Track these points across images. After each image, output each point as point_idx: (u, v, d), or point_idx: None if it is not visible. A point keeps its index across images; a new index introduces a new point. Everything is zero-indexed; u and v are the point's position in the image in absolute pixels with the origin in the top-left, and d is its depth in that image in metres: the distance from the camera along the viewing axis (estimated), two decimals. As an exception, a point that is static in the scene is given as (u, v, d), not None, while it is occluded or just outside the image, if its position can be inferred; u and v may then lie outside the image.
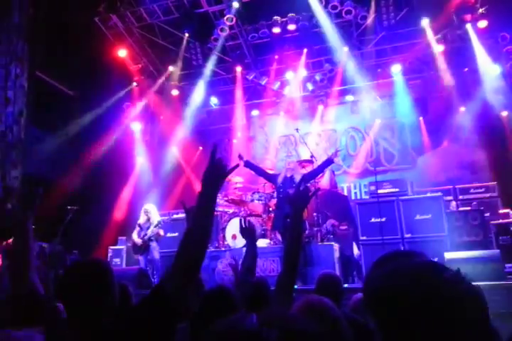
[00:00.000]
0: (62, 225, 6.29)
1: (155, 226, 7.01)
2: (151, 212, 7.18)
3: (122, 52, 10.19)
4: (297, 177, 6.19)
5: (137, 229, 7.19)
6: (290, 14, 9.92)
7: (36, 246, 6.96)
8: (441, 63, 9.42)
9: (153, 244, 7.00)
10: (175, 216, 8.02)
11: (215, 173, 1.58)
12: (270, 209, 7.34)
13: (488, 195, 7.96)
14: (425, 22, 9.26)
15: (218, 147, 1.67)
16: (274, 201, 7.43)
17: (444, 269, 0.80)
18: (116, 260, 7.62)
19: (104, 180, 8.99)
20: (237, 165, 2.00)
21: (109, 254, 7.86)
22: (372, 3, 9.22)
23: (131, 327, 1.38)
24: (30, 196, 2.12)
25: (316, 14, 9.47)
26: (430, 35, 9.35)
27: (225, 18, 9.58)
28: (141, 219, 7.21)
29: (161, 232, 7.17)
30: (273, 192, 7.63)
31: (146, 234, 7.01)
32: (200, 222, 1.55)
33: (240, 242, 6.65)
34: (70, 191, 7.96)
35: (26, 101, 8.03)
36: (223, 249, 6.94)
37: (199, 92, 10.97)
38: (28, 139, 8.00)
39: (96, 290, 1.53)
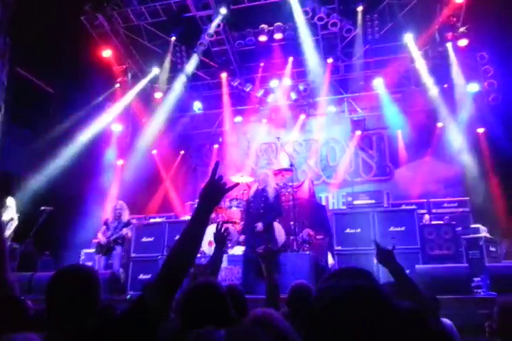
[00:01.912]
0: (35, 226, 6.17)
1: (125, 227, 6.64)
2: (123, 209, 6.79)
3: (107, 53, 10.10)
4: (269, 190, 5.97)
5: (103, 227, 6.79)
6: (277, 23, 10.03)
7: (8, 246, 6.79)
8: (423, 78, 9.65)
9: (118, 249, 6.62)
10: (152, 220, 7.95)
11: (215, 190, 1.63)
12: (247, 216, 7.34)
13: (460, 209, 8.17)
14: (408, 37, 9.48)
15: (219, 165, 1.73)
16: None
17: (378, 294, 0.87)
18: (89, 263, 7.46)
19: (81, 180, 8.84)
20: (237, 184, 2.05)
21: (82, 257, 7.71)
22: (358, 17, 9.42)
23: (112, 338, 1.40)
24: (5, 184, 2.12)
25: (299, 26, 9.60)
26: (412, 51, 9.58)
27: (212, 23, 9.62)
28: (110, 217, 6.80)
29: (129, 234, 6.81)
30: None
31: (112, 234, 6.60)
32: (193, 235, 1.57)
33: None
34: (45, 190, 7.81)
35: (5, 98, 7.88)
36: (199, 255, 6.90)
37: (177, 95, 10.89)
38: (5, 135, 7.84)
39: (83, 298, 1.56)
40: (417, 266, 5.47)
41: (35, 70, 9.31)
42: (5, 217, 6.26)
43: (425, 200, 8.30)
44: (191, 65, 10.51)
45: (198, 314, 1.86)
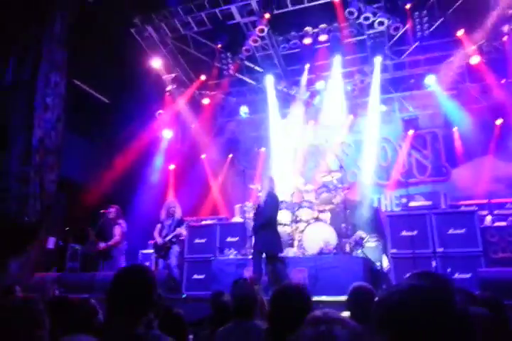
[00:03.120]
0: (95, 228, 6.46)
1: (179, 224, 6.70)
2: (176, 207, 6.85)
3: (156, 62, 10.45)
4: (263, 194, 5.94)
5: (158, 226, 6.89)
6: (321, 25, 9.97)
7: (69, 247, 7.17)
8: (479, 74, 9.22)
9: (175, 248, 6.68)
10: (204, 222, 8.08)
11: None
12: (298, 218, 7.30)
13: (525, 210, 7.66)
14: (460, 33, 9.10)
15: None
16: (301, 210, 7.40)
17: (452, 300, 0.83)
18: (146, 264, 7.71)
19: (136, 185, 9.17)
20: None
21: (139, 258, 7.96)
22: (406, 14, 9.15)
23: None
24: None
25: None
26: (466, 46, 9.19)
27: (257, 29, 9.71)
28: (163, 216, 6.88)
29: (184, 231, 6.84)
30: (301, 202, 7.60)
31: (168, 233, 6.68)
32: None
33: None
34: (103, 195, 8.16)
35: (63, 108, 8.32)
36: (250, 257, 6.92)
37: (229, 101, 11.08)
38: (64, 144, 8.28)
39: (138, 296, 1.64)
40: (480, 270, 5.18)
41: (91, 82, 9.79)
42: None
43: (486, 201, 7.86)
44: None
45: (285, 316, 1.89)
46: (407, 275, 0.99)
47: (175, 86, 11.01)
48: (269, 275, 5.71)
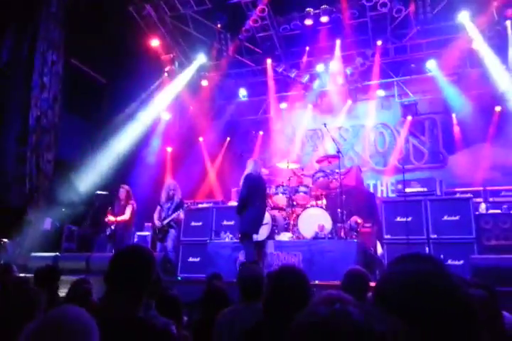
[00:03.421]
0: (91, 209, 6.48)
1: (178, 209, 6.65)
2: (176, 190, 6.80)
3: (155, 42, 10.28)
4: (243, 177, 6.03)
5: (158, 208, 6.85)
6: (323, 6, 9.76)
7: (66, 229, 7.21)
8: (481, 59, 9.10)
9: (172, 232, 6.64)
10: (200, 205, 8.11)
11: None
12: (294, 203, 7.33)
13: (519, 198, 7.71)
14: (463, 16, 8.94)
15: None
16: (298, 195, 7.43)
17: (442, 277, 0.85)
18: (141, 246, 7.78)
19: (133, 167, 9.15)
20: None
21: (135, 240, 8.02)
22: (410, -4, 8.98)
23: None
24: None
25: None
26: (468, 30, 9.03)
27: (257, 9, 9.51)
28: (163, 198, 6.80)
29: (182, 215, 6.76)
30: (298, 186, 7.62)
31: (166, 216, 6.65)
32: None
33: (262, 235, 6.67)
34: (99, 176, 8.15)
35: (61, 88, 8.23)
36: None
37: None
38: (60, 124, 8.22)
39: (137, 276, 1.66)
40: (472, 256, 5.24)
41: (88, 61, 9.64)
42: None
43: (481, 188, 7.90)
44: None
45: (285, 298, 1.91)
46: (401, 256, 1.00)
47: (173, 66, 10.85)
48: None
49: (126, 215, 6.89)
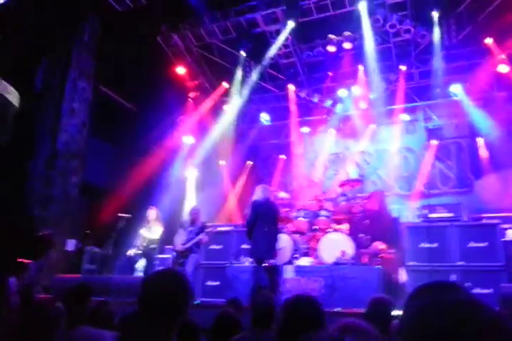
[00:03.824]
0: (114, 232, 6.57)
1: (201, 231, 6.58)
2: (198, 214, 6.76)
3: (181, 70, 10.63)
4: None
5: (179, 232, 6.82)
6: (346, 33, 9.92)
7: (88, 250, 7.32)
8: (506, 83, 8.97)
9: (193, 256, 6.55)
10: (220, 228, 8.10)
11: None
12: (315, 227, 7.24)
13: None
14: (489, 41, 8.89)
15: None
16: (319, 219, 7.34)
17: (483, 308, 0.75)
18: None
19: (156, 190, 9.29)
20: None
21: (156, 263, 8.04)
22: (434, 22, 9.01)
23: None
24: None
25: (365, 35, 9.42)
26: (495, 55, 8.95)
27: (281, 37, 9.76)
28: (186, 222, 6.79)
29: (206, 238, 6.66)
30: (319, 210, 7.54)
31: (188, 240, 6.58)
32: None
33: (281, 259, 6.58)
34: (124, 200, 8.30)
35: (89, 114, 8.57)
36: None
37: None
38: (88, 149, 8.50)
39: (174, 302, 1.57)
40: (502, 285, 4.99)
41: (117, 88, 10.04)
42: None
43: (509, 214, 7.58)
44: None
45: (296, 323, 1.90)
46: (421, 286, 0.89)
47: (198, 93, 11.15)
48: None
49: (157, 234, 6.97)
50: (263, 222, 5.92)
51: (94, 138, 9.12)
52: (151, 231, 7.04)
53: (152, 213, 7.09)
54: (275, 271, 5.97)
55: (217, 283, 6.97)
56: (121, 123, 9.76)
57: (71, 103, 8.03)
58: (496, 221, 6.40)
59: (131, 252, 6.88)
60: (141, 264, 7.00)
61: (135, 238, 7.00)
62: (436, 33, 9.07)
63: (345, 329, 1.38)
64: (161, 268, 7.59)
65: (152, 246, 6.99)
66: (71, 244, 7.13)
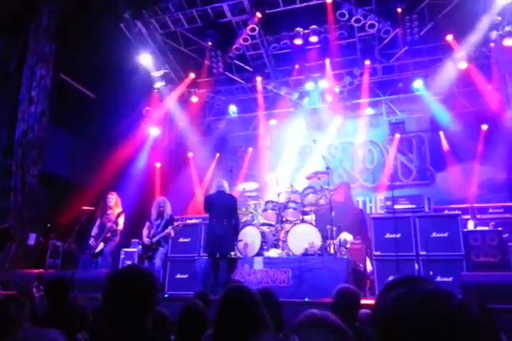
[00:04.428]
0: (77, 225, 6.35)
1: (168, 223, 6.50)
2: (166, 206, 6.67)
3: (145, 58, 10.34)
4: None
5: (147, 225, 6.70)
6: (312, 26, 9.97)
7: (51, 244, 7.04)
8: (466, 79, 9.33)
9: (161, 250, 6.50)
10: (188, 221, 8.01)
11: None
12: (283, 219, 7.28)
13: (506, 215, 7.77)
14: (449, 38, 9.20)
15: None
16: (287, 211, 7.39)
17: (451, 297, 0.82)
18: (128, 262, 7.61)
19: (121, 182, 9.05)
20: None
21: (121, 256, 7.85)
22: (397, 18, 9.21)
23: None
24: None
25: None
26: (454, 51, 9.28)
27: (248, 28, 9.67)
28: (153, 214, 6.66)
29: (172, 232, 6.59)
30: (287, 202, 7.59)
31: (156, 233, 6.50)
32: None
33: (252, 251, 6.59)
34: (86, 191, 8.03)
35: (48, 102, 8.18)
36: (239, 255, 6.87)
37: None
38: (48, 139, 8.13)
39: (141, 299, 1.55)
40: (462, 273, 5.22)
41: (77, 76, 9.64)
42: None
43: (469, 205, 7.96)
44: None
45: (232, 322, 1.83)
46: (392, 278, 0.96)
47: (163, 83, 10.90)
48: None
49: (121, 225, 6.76)
50: (214, 215, 6.12)
51: (55, 127, 8.73)
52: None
53: (112, 199, 6.88)
54: (227, 265, 6.04)
55: (186, 276, 6.90)
56: (84, 113, 9.40)
57: (29, 91, 7.63)
58: (456, 212, 6.68)
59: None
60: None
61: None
62: (399, 29, 9.27)
63: (312, 324, 1.37)
64: (127, 263, 7.46)
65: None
66: (31, 238, 6.82)
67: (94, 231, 6.73)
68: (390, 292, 0.89)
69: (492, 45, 8.94)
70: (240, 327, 1.79)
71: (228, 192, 6.51)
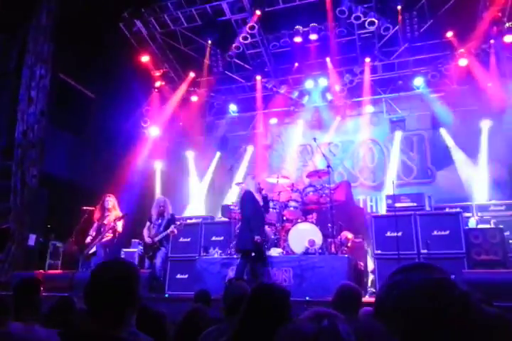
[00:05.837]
0: (77, 225, 6.34)
1: (170, 223, 6.48)
2: (166, 205, 6.65)
3: (145, 58, 10.31)
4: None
5: (147, 225, 6.67)
6: (312, 24, 9.93)
7: (50, 244, 7.03)
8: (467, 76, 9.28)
9: (162, 249, 6.47)
10: (189, 221, 7.99)
11: None
12: (284, 218, 7.27)
13: (508, 213, 7.73)
14: (450, 34, 9.15)
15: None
16: (288, 210, 7.37)
17: (455, 287, 0.82)
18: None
19: (121, 182, 9.03)
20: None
21: (122, 256, 7.84)
22: (397, 15, 9.16)
23: None
24: None
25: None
26: (455, 48, 9.23)
27: (247, 26, 9.63)
28: (154, 214, 6.63)
29: (175, 231, 6.54)
30: (287, 201, 7.57)
31: (157, 232, 6.48)
32: None
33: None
34: (86, 192, 8.02)
35: (48, 102, 8.16)
36: (235, 256, 6.87)
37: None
38: (47, 139, 8.11)
39: (122, 292, 1.53)
40: (464, 271, 5.20)
41: (77, 76, 9.61)
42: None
43: (470, 203, 7.92)
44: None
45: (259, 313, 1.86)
46: (400, 267, 0.95)
47: (163, 82, 10.88)
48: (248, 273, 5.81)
49: (120, 228, 6.74)
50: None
51: (54, 127, 8.71)
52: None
53: (110, 201, 6.85)
54: (255, 261, 5.96)
55: (186, 276, 6.89)
56: (83, 113, 9.40)
57: (28, 90, 7.60)
58: (457, 210, 6.66)
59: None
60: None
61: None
62: (399, 26, 9.23)
63: (319, 317, 1.37)
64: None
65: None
66: (32, 239, 6.81)
67: (92, 233, 6.71)
68: (391, 278, 0.89)
69: (492, 41, 8.90)
70: (268, 320, 1.79)
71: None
